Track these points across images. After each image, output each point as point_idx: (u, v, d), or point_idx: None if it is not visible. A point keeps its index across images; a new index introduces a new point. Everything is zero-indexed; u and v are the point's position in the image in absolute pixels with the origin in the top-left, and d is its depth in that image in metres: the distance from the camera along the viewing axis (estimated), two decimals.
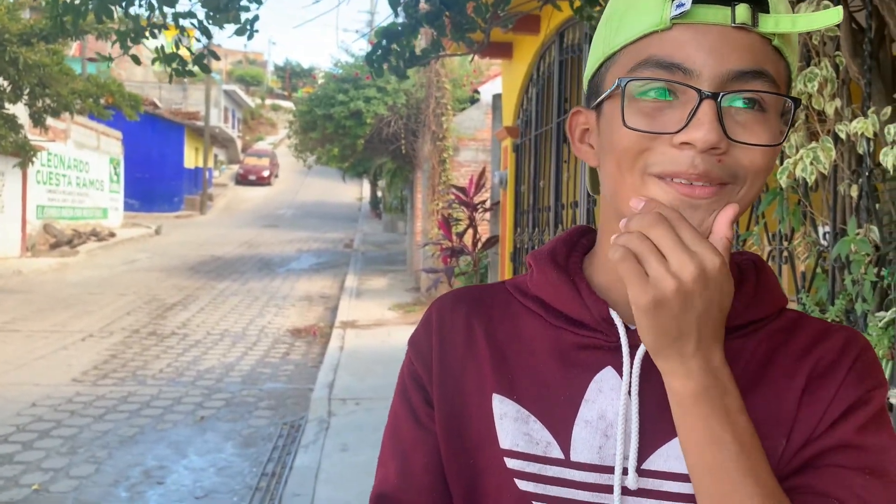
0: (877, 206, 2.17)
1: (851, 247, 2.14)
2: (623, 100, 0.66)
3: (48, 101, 10.61)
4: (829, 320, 2.23)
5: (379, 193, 30.43)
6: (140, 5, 2.83)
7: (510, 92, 6.54)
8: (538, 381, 0.75)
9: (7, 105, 10.48)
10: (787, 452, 0.70)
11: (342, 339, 8.84)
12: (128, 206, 25.67)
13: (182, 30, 3.09)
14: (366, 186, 34.27)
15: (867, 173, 2.14)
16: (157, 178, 28.38)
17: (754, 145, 0.65)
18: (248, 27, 2.89)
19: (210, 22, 2.91)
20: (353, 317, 10.28)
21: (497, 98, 7.07)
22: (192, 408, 6.29)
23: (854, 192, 2.21)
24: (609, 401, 0.72)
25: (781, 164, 2.21)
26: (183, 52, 3.01)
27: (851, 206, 2.21)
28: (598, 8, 3.33)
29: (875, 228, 2.11)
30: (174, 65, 3.01)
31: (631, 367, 0.71)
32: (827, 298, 2.30)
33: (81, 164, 20.77)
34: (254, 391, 6.86)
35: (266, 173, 37.60)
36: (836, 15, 0.64)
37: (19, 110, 11.15)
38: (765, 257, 2.65)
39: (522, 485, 0.73)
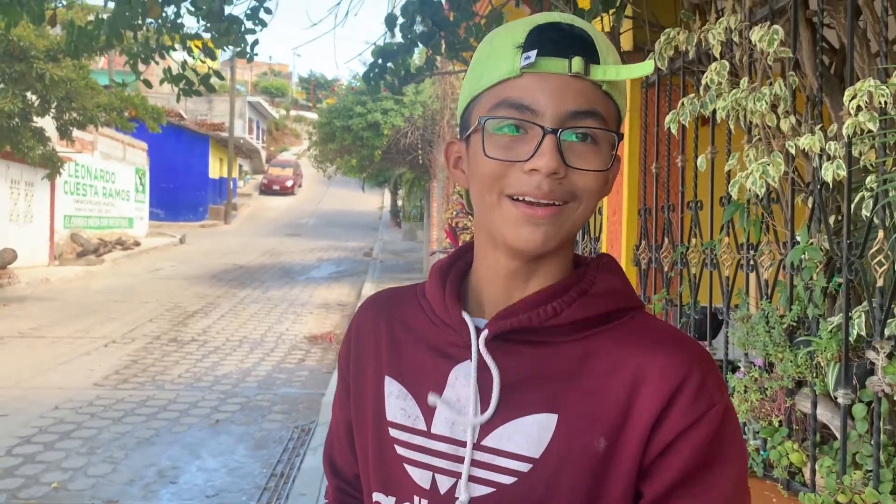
0: (830, 217, 2.29)
1: (804, 254, 2.27)
2: (483, 134, 0.81)
3: (74, 114, 10.97)
4: (785, 325, 2.36)
5: (399, 202, 30.68)
6: (149, 30, 3.03)
7: None
8: (418, 367, 0.91)
9: (35, 118, 10.85)
10: (612, 453, 0.80)
11: None
12: (153, 216, 26.16)
13: (189, 51, 3.29)
14: (387, 196, 34.56)
15: (819, 186, 2.27)
16: (182, 188, 28.89)
17: (587, 170, 0.81)
18: (249, 50, 3.09)
19: (214, 44, 3.10)
20: None
21: None
22: (207, 411, 6.50)
23: (810, 203, 2.33)
24: (462, 387, 0.86)
25: (733, 176, 2.34)
26: (189, 72, 3.22)
27: (806, 217, 2.34)
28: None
29: (825, 237, 2.24)
30: (181, 84, 3.21)
31: (476, 362, 0.85)
32: (785, 304, 2.43)
33: (108, 175, 21.25)
34: (268, 396, 7.06)
35: (289, 183, 38.07)
36: (648, 67, 0.81)
37: (47, 123, 11.53)
38: (733, 266, 2.78)
39: (399, 450, 0.89)
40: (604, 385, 0.81)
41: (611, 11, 3.44)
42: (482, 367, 0.85)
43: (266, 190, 38.05)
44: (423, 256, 18.34)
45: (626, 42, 3.81)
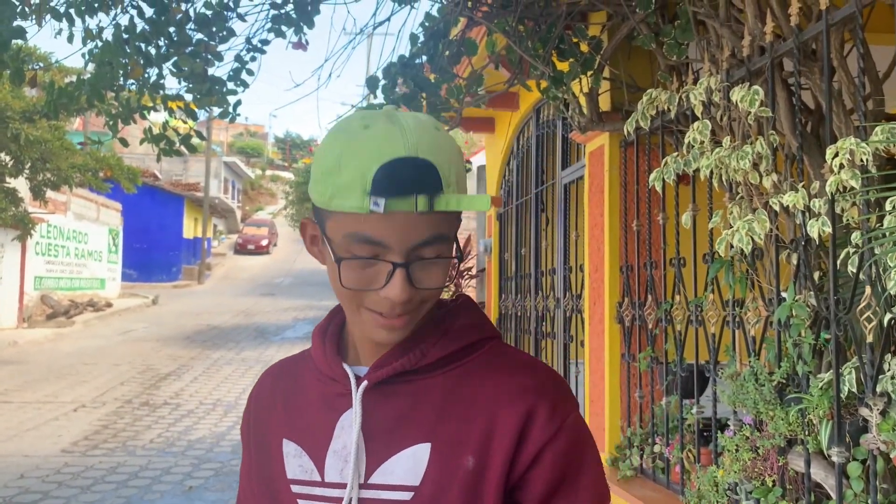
0: (815, 273, 2.31)
1: (791, 311, 2.27)
2: (339, 269, 0.87)
3: (48, 174, 10.89)
4: (774, 382, 2.35)
5: None
6: (129, 91, 3.03)
7: (493, 163, 6.77)
8: (309, 423, 0.98)
9: (8, 179, 10.75)
10: (482, 470, 0.89)
11: None
12: (126, 277, 25.80)
13: (171, 111, 3.29)
14: None
15: (803, 242, 2.29)
16: (155, 248, 28.60)
17: (432, 288, 0.89)
18: (232, 111, 3.09)
19: (196, 105, 3.10)
20: None
21: (481, 169, 7.30)
22: (180, 478, 6.28)
23: (794, 260, 2.35)
24: (347, 434, 0.94)
25: (720, 234, 2.35)
26: (170, 132, 3.21)
27: (791, 274, 2.35)
28: (563, 88, 3.53)
29: (812, 294, 2.25)
30: (162, 144, 3.20)
31: (356, 407, 0.93)
32: (774, 361, 2.42)
33: (80, 236, 21.00)
34: None
35: (265, 242, 37.88)
36: (486, 203, 0.85)
37: (20, 184, 11.42)
38: (719, 323, 2.78)
39: (300, 503, 0.96)
40: (468, 410, 0.91)
41: (589, 73, 3.51)
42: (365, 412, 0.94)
43: (241, 249, 37.80)
44: None
45: (605, 102, 3.88)
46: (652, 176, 2.44)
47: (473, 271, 7.34)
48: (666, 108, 2.74)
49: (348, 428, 0.94)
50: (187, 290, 27.01)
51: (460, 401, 0.92)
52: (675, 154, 2.37)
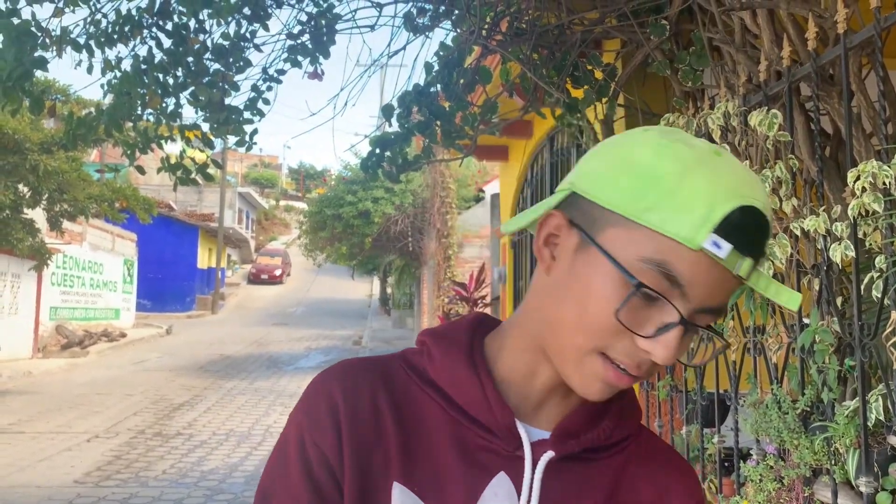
0: (838, 299, 2.27)
1: (816, 337, 2.23)
2: (627, 300, 0.69)
3: (65, 205, 11.00)
4: (798, 410, 2.30)
5: (388, 290, 30.63)
6: (146, 121, 3.06)
7: (507, 191, 6.77)
8: (438, 473, 0.75)
9: (26, 210, 10.86)
10: None
11: None
12: (140, 307, 25.91)
13: (188, 141, 3.32)
14: (376, 283, 34.54)
15: (825, 267, 2.25)
16: (170, 279, 28.76)
17: (680, 363, 0.76)
18: (248, 139, 3.12)
19: (213, 134, 3.13)
20: None
21: (495, 197, 7.31)
22: None
23: (815, 286, 2.31)
24: None
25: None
26: (187, 161, 3.23)
27: (813, 299, 2.32)
28: (577, 115, 3.54)
29: (835, 320, 2.21)
30: (179, 173, 3.22)
31: (532, 480, 0.75)
32: (798, 388, 2.37)
33: (96, 266, 21.15)
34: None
35: (278, 272, 38.04)
36: (796, 301, 0.72)
37: (37, 214, 11.54)
38: (740, 350, 2.73)
39: None
40: (636, 496, 0.81)
41: (604, 100, 3.51)
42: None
43: (254, 279, 37.96)
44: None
45: (619, 129, 3.87)
46: None
47: (488, 299, 7.31)
48: None
49: (505, 499, 0.75)
50: (201, 320, 27.08)
51: (626, 487, 0.80)
52: None
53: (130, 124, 3.14)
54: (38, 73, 3.22)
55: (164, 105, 3.11)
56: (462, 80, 3.68)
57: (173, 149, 3.67)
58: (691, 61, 3.15)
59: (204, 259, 31.10)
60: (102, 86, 3.39)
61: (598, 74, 3.50)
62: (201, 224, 30.81)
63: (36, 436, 8.95)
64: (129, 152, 3.17)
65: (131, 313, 24.34)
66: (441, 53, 3.67)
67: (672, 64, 3.26)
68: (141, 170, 3.09)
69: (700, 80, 3.15)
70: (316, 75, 3.87)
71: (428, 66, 3.64)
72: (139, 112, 3.07)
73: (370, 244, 15.39)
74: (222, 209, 31.19)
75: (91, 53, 3.23)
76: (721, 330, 2.72)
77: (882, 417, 2.05)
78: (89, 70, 3.21)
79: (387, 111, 3.68)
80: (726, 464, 3.02)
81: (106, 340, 18.96)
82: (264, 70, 3.60)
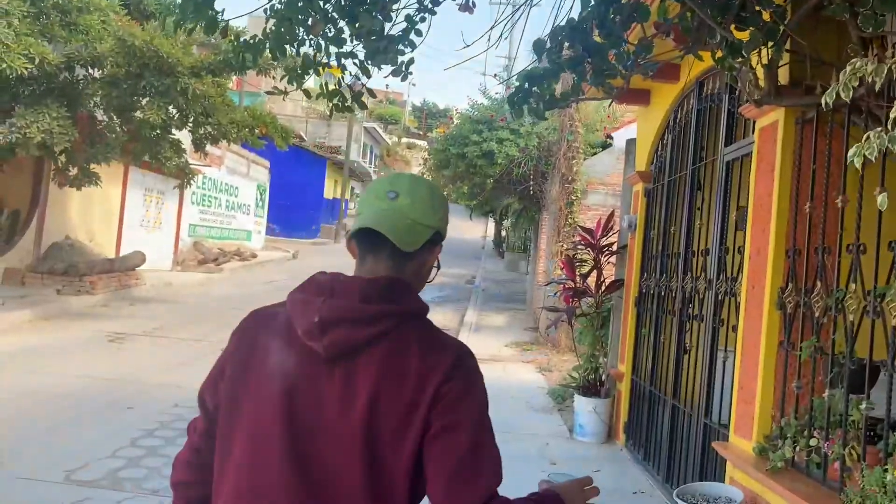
0: None
1: None
2: None
3: (210, 129, 11.57)
4: None
5: (503, 233, 30.66)
6: (310, 45, 3.15)
7: (645, 138, 6.57)
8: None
9: (174, 131, 11.51)
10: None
11: None
12: (269, 231, 27.20)
13: (344, 69, 3.40)
14: (490, 225, 34.64)
15: None
16: (297, 206, 29.95)
17: None
18: (404, 69, 3.16)
19: (369, 63, 3.19)
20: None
21: (630, 143, 7.11)
22: None
23: None
24: None
25: None
26: (345, 89, 3.32)
27: None
28: (739, 59, 3.37)
29: None
30: (336, 100, 3.32)
31: None
32: None
33: (232, 189, 22.31)
34: None
35: None
36: None
37: (183, 136, 12.21)
38: (859, 312, 2.68)
39: None
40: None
41: (770, 44, 3.32)
42: None
43: None
44: (527, 288, 18.20)
45: (783, 76, 3.66)
46: (852, 152, 2.29)
47: (614, 248, 7.20)
48: (870, 80, 2.55)
49: None
50: (325, 248, 28.13)
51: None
52: (879, 129, 2.21)
53: (293, 50, 3.25)
54: None
55: (325, 31, 3.19)
56: (618, 17, 3.56)
57: (311, 85, 3.77)
58: (875, 4, 2.91)
59: (330, 190, 32.15)
60: (265, 10, 3.52)
61: (767, 16, 3.30)
62: (329, 156, 31.76)
63: (176, 341, 9.69)
64: (290, 77, 3.29)
65: (261, 236, 25.62)
66: None
67: (851, 7, 3.03)
68: (307, 93, 3.20)
69: (882, 25, 2.92)
70: (467, 7, 3.85)
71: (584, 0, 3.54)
72: (303, 37, 3.17)
73: (491, 185, 15.36)
74: (349, 143, 31.96)
75: None
76: (885, 293, 2.58)
77: None
78: None
79: (538, 47, 3.63)
80: (870, 433, 2.91)
81: (238, 259, 20.09)
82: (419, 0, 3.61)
